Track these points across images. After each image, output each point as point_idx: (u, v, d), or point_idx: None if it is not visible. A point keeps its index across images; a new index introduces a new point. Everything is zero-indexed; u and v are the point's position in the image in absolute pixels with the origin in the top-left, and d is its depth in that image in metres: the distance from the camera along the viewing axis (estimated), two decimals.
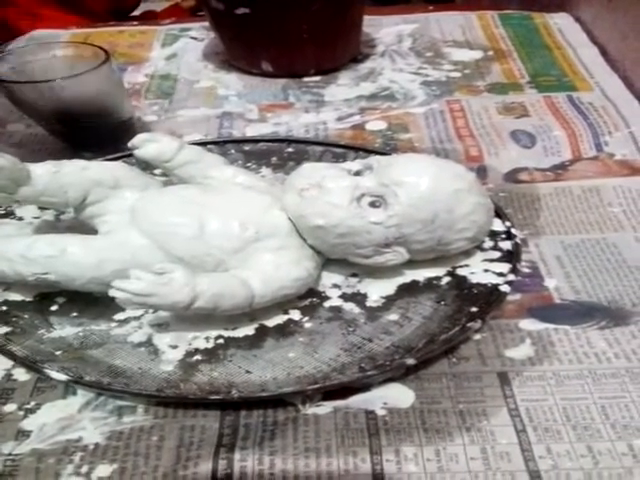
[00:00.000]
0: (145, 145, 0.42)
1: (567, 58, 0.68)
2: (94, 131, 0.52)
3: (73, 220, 0.44)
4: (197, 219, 0.38)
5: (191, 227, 0.38)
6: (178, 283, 0.34)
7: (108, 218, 0.40)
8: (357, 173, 0.39)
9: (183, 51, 0.74)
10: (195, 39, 0.76)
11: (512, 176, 0.52)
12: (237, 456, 0.32)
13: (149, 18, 1.16)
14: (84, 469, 0.32)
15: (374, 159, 0.40)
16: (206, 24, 0.76)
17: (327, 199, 0.37)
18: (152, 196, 0.40)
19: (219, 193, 0.40)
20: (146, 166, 0.46)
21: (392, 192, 0.37)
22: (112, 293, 0.34)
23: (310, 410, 0.34)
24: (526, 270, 0.42)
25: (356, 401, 0.35)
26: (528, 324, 0.39)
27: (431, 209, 0.37)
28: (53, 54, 0.53)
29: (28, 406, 0.35)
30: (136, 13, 1.24)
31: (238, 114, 0.61)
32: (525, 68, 0.67)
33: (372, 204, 0.37)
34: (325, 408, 0.34)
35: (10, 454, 0.33)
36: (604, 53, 0.68)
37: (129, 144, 0.43)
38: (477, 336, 0.38)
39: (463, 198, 0.38)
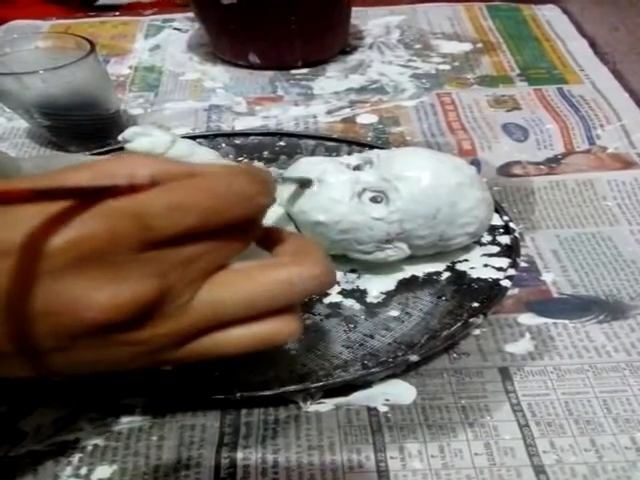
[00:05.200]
0: (137, 138, 0.41)
1: (556, 50, 0.68)
2: (79, 124, 0.51)
3: None
4: None
5: None
6: None
7: None
8: (356, 167, 0.38)
9: (167, 42, 0.72)
10: (179, 30, 0.75)
11: (505, 170, 0.51)
12: (240, 455, 0.32)
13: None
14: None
15: (374, 153, 0.39)
16: (190, 15, 0.74)
17: (328, 194, 0.36)
18: None
19: None
20: None
21: (393, 187, 0.37)
22: None
23: (312, 408, 0.34)
24: (523, 264, 0.42)
25: (358, 398, 0.34)
26: (527, 319, 0.39)
27: (433, 204, 0.37)
28: (35, 45, 0.52)
29: None
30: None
31: (226, 107, 0.60)
32: (515, 60, 0.67)
33: (373, 199, 0.37)
34: (327, 405, 0.34)
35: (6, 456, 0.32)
36: (593, 45, 0.68)
37: (119, 137, 0.41)
38: (477, 331, 0.38)
39: (465, 192, 0.37)
